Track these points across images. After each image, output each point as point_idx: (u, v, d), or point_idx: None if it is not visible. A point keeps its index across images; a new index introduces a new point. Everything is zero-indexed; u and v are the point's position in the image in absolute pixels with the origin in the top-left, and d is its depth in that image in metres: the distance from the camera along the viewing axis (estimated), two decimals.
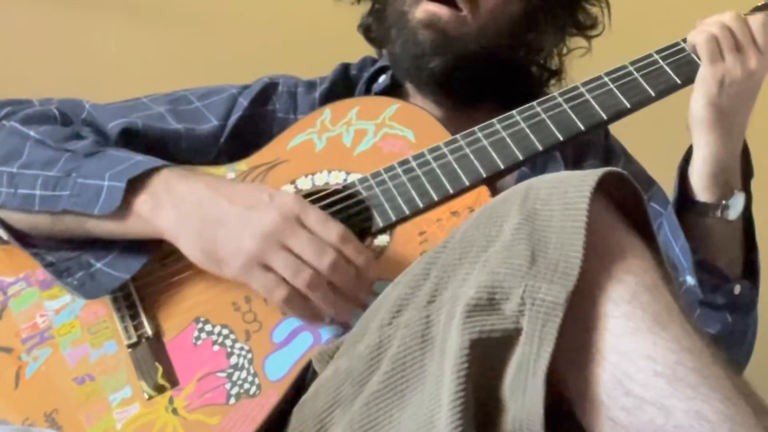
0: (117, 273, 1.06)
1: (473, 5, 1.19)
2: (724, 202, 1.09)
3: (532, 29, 1.24)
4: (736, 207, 1.09)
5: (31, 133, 1.12)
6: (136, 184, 1.04)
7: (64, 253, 1.08)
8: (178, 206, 1.02)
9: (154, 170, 1.05)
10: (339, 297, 0.99)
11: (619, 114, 1.13)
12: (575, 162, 1.25)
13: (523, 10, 1.23)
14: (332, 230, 0.99)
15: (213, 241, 1.00)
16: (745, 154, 1.13)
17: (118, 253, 1.07)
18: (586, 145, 1.27)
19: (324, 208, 1.07)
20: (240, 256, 0.98)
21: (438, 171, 1.09)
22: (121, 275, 1.06)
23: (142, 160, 1.06)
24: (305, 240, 0.98)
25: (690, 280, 1.09)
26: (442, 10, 1.19)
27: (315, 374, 0.94)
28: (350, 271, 0.98)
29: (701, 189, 1.10)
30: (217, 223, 1.00)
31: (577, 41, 1.33)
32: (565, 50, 1.33)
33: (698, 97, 1.09)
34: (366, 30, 1.34)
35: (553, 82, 1.33)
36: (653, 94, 1.13)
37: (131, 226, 1.04)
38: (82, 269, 1.07)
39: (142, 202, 1.03)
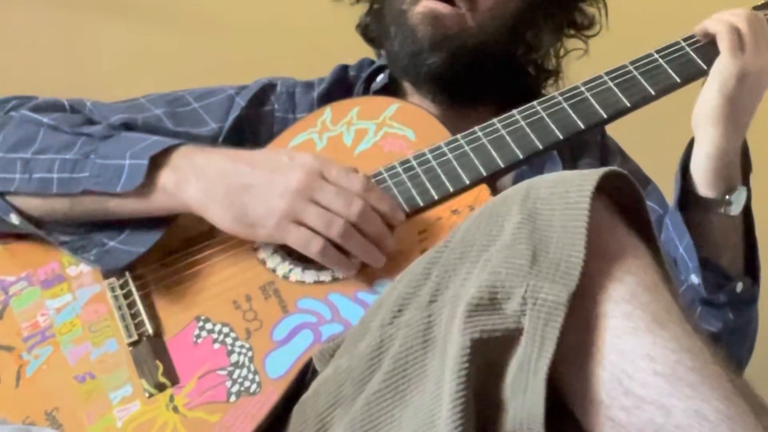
0: (132, 248, 1.07)
1: (472, 3, 1.20)
2: (727, 197, 1.09)
3: (530, 27, 1.25)
4: (738, 202, 1.09)
5: (44, 119, 1.13)
6: (157, 161, 1.05)
7: (76, 236, 1.09)
8: (201, 178, 1.04)
9: (173, 147, 1.06)
10: (371, 245, 1.02)
11: (619, 113, 1.13)
12: (572, 160, 1.25)
13: (521, 8, 1.23)
14: (355, 180, 1.02)
15: (243, 207, 1.02)
16: (744, 148, 1.13)
17: (131, 231, 1.08)
18: (583, 144, 1.27)
19: None
20: (272, 216, 1.01)
21: (438, 170, 1.09)
22: (136, 249, 1.06)
23: (159, 140, 1.07)
24: (332, 192, 1.01)
25: (694, 279, 1.09)
26: (443, 7, 1.19)
27: (315, 372, 0.94)
28: (377, 218, 1.02)
29: (705, 185, 1.09)
30: (244, 188, 1.02)
31: (575, 43, 1.33)
32: (562, 52, 1.33)
33: (713, 89, 1.09)
34: (364, 30, 1.34)
35: (551, 82, 1.33)
36: (653, 92, 1.13)
37: (156, 202, 1.05)
38: (96, 247, 1.08)
39: (165, 177, 1.04)
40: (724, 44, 1.10)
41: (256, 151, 1.09)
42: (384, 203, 1.03)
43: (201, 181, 1.04)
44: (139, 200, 1.06)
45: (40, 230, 1.10)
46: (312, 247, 1.01)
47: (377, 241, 1.02)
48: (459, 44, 1.20)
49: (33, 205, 1.10)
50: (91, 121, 1.15)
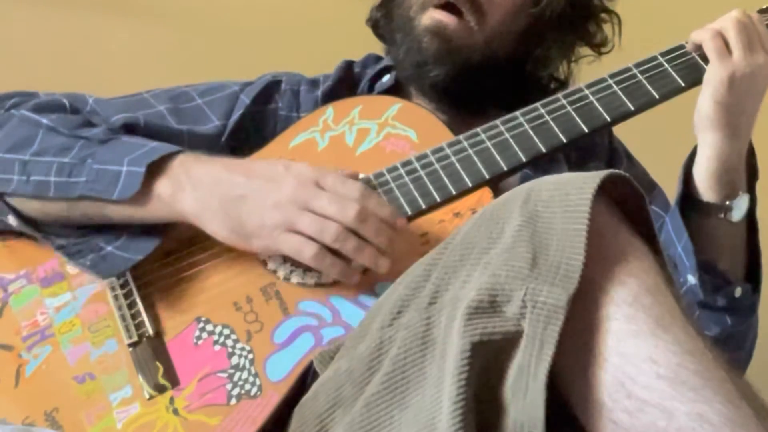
0: (129, 255, 1.06)
1: (480, 17, 1.19)
2: (728, 202, 1.09)
3: (540, 44, 1.24)
4: (740, 208, 1.09)
5: (43, 120, 1.12)
6: (154, 169, 1.04)
7: (73, 238, 1.09)
8: (198, 188, 1.03)
9: (172, 155, 1.06)
10: (371, 248, 1.00)
11: (623, 116, 1.13)
12: (579, 164, 1.24)
13: (531, 24, 1.22)
14: (352, 187, 1.01)
15: (238, 218, 1.01)
16: (751, 155, 1.13)
17: (129, 237, 1.08)
18: (590, 148, 1.27)
19: None
20: (266, 226, 1.00)
21: (441, 172, 1.09)
22: (133, 256, 1.06)
23: (158, 146, 1.07)
24: (326, 199, 1.00)
25: (691, 279, 1.09)
26: (450, 19, 1.19)
27: (316, 375, 0.94)
28: (376, 221, 1.00)
29: (705, 189, 1.09)
30: (239, 199, 1.02)
31: (587, 49, 1.32)
32: (573, 58, 1.32)
33: (706, 95, 1.09)
34: (374, 25, 1.33)
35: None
36: (657, 96, 1.13)
37: (152, 211, 1.05)
38: (92, 252, 1.07)
39: (162, 186, 1.04)
40: (709, 51, 1.10)
41: (254, 160, 1.09)
42: (383, 209, 1.01)
43: (197, 191, 1.03)
44: (136, 208, 1.05)
45: (37, 232, 1.10)
46: (305, 253, 1.00)
47: (378, 244, 1.00)
48: (464, 58, 1.20)
49: (31, 207, 1.10)
50: (90, 123, 1.15)
